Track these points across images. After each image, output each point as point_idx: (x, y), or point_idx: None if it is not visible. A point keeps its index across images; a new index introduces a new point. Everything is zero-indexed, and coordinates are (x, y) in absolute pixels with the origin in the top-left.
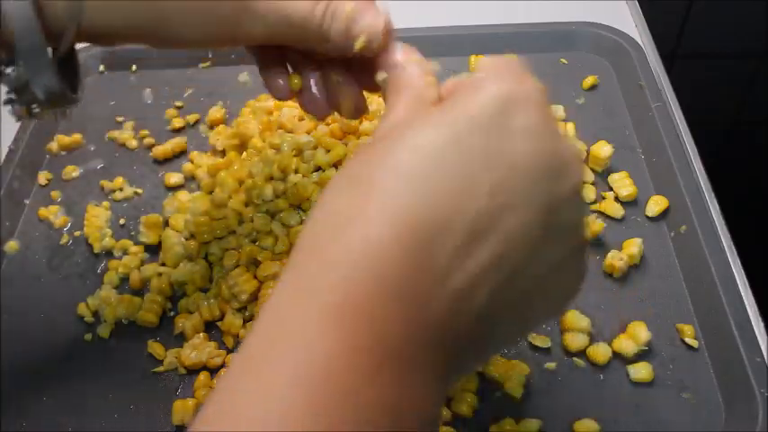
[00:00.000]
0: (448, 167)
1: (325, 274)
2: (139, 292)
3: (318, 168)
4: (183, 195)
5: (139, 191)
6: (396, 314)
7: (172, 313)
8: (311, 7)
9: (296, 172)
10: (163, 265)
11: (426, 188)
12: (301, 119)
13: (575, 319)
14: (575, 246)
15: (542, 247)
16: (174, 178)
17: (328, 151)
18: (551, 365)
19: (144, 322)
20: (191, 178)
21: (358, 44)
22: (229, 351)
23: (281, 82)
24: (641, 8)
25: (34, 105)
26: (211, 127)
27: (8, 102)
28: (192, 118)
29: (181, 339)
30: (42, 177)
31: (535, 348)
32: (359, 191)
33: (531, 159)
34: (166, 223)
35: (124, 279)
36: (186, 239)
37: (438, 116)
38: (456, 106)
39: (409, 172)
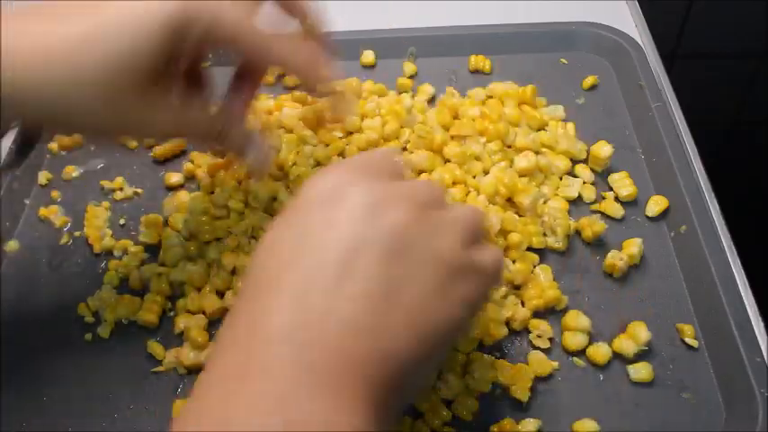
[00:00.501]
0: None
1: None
2: (139, 292)
3: (318, 164)
4: (182, 195)
5: (139, 191)
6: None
7: (171, 313)
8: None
9: (294, 165)
10: (162, 265)
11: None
12: (301, 120)
13: (575, 319)
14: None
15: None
16: (174, 178)
17: (327, 146)
18: (551, 365)
19: (144, 322)
20: (191, 178)
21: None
22: None
23: None
24: (641, 8)
25: None
26: None
27: None
28: None
29: (181, 339)
30: (42, 177)
31: (535, 349)
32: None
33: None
34: (167, 223)
35: (124, 279)
36: (186, 239)
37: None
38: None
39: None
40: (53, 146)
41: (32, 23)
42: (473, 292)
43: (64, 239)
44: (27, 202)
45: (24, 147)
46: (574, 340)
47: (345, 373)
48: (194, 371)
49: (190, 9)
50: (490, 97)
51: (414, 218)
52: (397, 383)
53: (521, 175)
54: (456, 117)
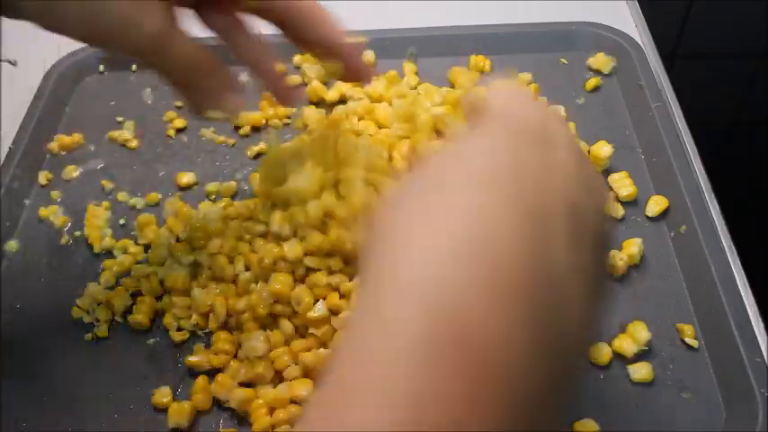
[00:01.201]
0: (517, 174)
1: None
2: (136, 292)
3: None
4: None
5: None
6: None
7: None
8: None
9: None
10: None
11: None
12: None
13: None
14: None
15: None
16: (185, 178)
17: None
18: None
19: (135, 324)
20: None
21: (211, 113)
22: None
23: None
24: (641, 8)
25: None
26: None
27: None
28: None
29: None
30: (42, 177)
31: None
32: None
33: (576, 170)
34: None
35: (121, 279)
36: (177, 241)
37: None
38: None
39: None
40: (53, 146)
41: None
42: None
43: (64, 239)
44: (27, 202)
45: None
46: None
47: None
48: (195, 372)
49: None
50: None
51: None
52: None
53: None
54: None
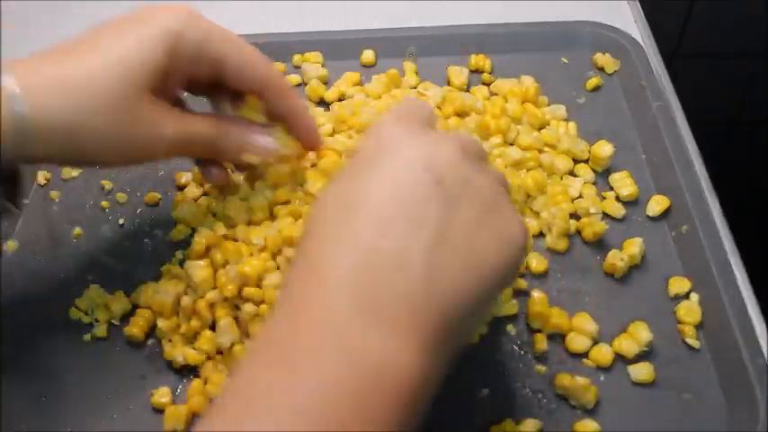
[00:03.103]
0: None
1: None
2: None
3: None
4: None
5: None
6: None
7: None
8: (209, 128)
9: None
10: (156, 280)
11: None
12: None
13: (583, 322)
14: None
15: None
16: (183, 178)
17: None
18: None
19: (129, 336)
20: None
21: (247, 159)
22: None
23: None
24: (642, 8)
25: None
26: None
27: None
28: None
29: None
30: (41, 177)
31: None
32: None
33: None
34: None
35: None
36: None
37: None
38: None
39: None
40: None
41: (46, 63)
42: (516, 231)
43: (63, 240)
44: (26, 201)
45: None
46: (576, 342)
47: (407, 317)
48: (193, 368)
49: (187, 20)
50: (495, 94)
51: (465, 164)
52: (453, 326)
53: (523, 162)
54: (459, 114)
